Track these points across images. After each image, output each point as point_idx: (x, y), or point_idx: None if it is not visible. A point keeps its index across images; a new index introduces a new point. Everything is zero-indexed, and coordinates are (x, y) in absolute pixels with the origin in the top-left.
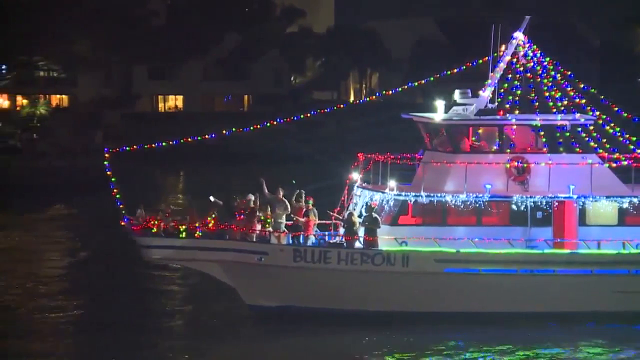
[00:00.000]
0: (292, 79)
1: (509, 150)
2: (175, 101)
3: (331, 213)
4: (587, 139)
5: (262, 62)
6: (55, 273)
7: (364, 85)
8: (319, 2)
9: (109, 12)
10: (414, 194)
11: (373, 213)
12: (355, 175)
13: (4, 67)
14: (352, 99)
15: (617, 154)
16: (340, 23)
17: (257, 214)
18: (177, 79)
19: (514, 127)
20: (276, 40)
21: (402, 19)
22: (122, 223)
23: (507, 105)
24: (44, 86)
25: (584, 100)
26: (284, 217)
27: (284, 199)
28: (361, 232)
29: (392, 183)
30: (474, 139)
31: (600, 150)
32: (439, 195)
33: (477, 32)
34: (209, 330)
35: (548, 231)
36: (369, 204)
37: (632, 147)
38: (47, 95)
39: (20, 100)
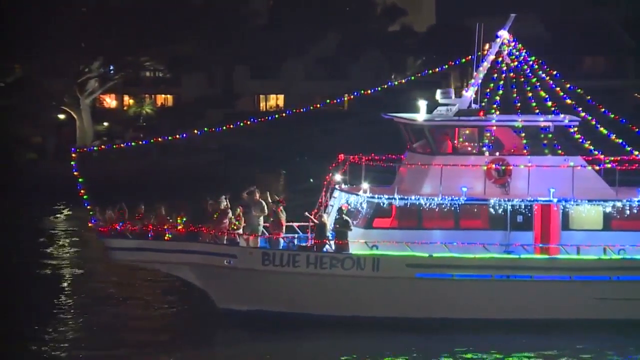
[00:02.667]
0: (392, 77)
1: (487, 152)
2: (276, 100)
3: (308, 215)
4: (578, 139)
5: (363, 61)
6: None
7: (465, 84)
8: (421, 0)
9: (212, 13)
10: (386, 196)
11: (344, 215)
12: (338, 177)
13: (112, 68)
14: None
15: (602, 155)
16: (441, 21)
17: (228, 216)
18: (278, 78)
19: (494, 128)
20: (377, 39)
21: (504, 17)
22: (90, 224)
23: (495, 106)
24: (149, 86)
25: (569, 101)
26: (261, 219)
27: (261, 200)
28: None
29: (365, 185)
30: (461, 139)
31: (596, 152)
32: (412, 197)
33: (581, 30)
34: (179, 334)
35: (529, 235)
36: (340, 206)
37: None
38: (153, 95)
39: (128, 100)
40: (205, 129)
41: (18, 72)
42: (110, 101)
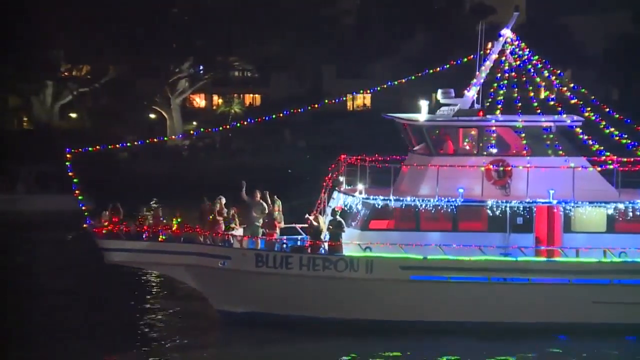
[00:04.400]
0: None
1: (485, 153)
2: (363, 100)
3: (308, 216)
4: (581, 140)
5: (450, 60)
6: None
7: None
8: None
9: (300, 12)
10: (382, 197)
11: (337, 217)
12: (341, 178)
13: (201, 68)
14: (542, 95)
15: (604, 156)
16: (532, 20)
17: (222, 217)
18: (365, 78)
19: (494, 128)
20: (465, 38)
21: (596, 15)
22: (85, 225)
23: (499, 106)
24: (238, 86)
25: (573, 101)
26: (261, 220)
27: (261, 201)
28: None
29: (360, 186)
30: (467, 140)
31: (608, 153)
32: (408, 199)
33: None
34: (175, 335)
35: (529, 238)
36: (334, 207)
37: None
38: (241, 95)
39: (216, 100)
40: (202, 129)
41: (111, 73)
42: (199, 101)
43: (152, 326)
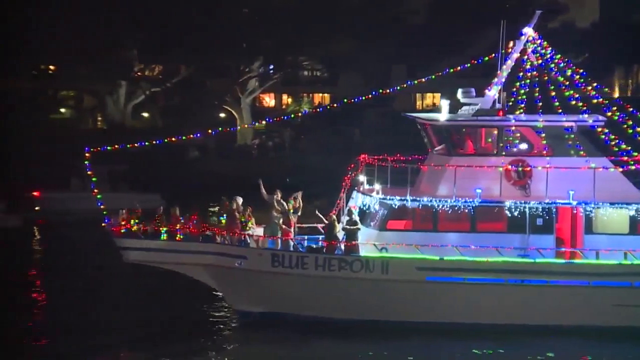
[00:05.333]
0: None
1: (504, 153)
2: (432, 99)
3: (319, 213)
4: (603, 140)
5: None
6: None
7: (630, 81)
8: None
9: (370, 12)
10: (399, 198)
11: (353, 216)
12: (361, 177)
13: (271, 67)
14: (617, 94)
15: (627, 157)
16: (606, 17)
17: (238, 216)
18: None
19: (513, 128)
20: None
21: None
22: (103, 224)
23: (522, 105)
24: (307, 85)
25: (595, 101)
26: (281, 219)
27: (281, 200)
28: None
29: (377, 186)
30: (489, 140)
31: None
32: (425, 199)
33: None
34: (194, 334)
35: (550, 239)
36: (349, 207)
37: None
38: (310, 94)
39: (286, 99)
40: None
41: (183, 73)
42: (269, 100)
43: (171, 325)
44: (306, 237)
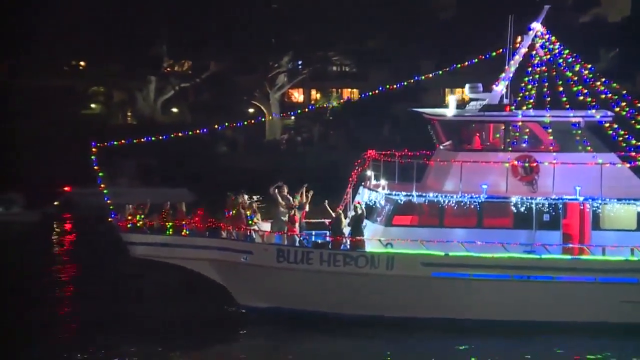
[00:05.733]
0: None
1: (511, 149)
2: (462, 94)
3: (327, 206)
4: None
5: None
6: None
7: None
8: None
9: (399, 7)
10: (404, 193)
11: (357, 212)
12: (368, 173)
13: (300, 62)
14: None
15: (634, 152)
16: (637, 12)
17: (243, 211)
18: (464, 72)
19: (520, 124)
20: (567, 30)
21: None
22: (109, 219)
23: (531, 101)
24: (336, 80)
25: (604, 96)
26: (287, 215)
27: (288, 196)
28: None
29: (383, 182)
30: (497, 136)
31: None
32: (430, 195)
33: None
34: (200, 330)
35: (556, 235)
36: (354, 202)
37: None
38: (339, 89)
39: (314, 94)
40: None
41: (212, 68)
42: (297, 95)
43: (176, 320)
44: (313, 232)
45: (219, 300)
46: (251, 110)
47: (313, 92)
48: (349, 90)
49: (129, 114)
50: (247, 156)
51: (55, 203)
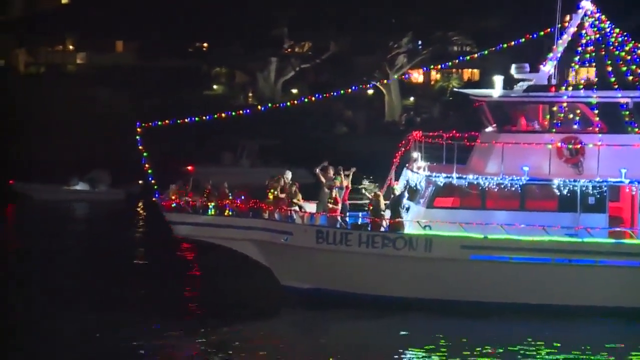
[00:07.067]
0: None
1: (555, 130)
2: (587, 72)
3: (365, 192)
4: None
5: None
6: None
7: None
8: None
9: None
10: (444, 175)
11: (395, 193)
12: (415, 155)
13: (420, 43)
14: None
15: None
16: None
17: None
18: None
19: (565, 105)
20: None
21: None
22: (154, 199)
23: (582, 81)
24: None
25: None
26: (327, 196)
27: (331, 176)
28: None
29: (422, 163)
30: (548, 117)
31: None
32: (470, 177)
33: None
34: (242, 310)
35: (602, 218)
36: (392, 184)
37: None
38: (459, 70)
39: (434, 75)
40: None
41: (332, 49)
42: (417, 76)
43: (217, 300)
44: (360, 214)
45: (260, 281)
46: (370, 91)
47: (433, 72)
48: (470, 70)
49: (250, 94)
50: (367, 138)
51: (140, 182)
